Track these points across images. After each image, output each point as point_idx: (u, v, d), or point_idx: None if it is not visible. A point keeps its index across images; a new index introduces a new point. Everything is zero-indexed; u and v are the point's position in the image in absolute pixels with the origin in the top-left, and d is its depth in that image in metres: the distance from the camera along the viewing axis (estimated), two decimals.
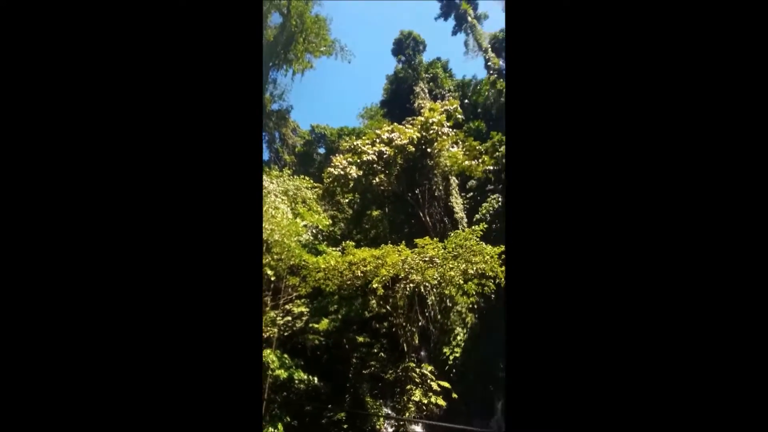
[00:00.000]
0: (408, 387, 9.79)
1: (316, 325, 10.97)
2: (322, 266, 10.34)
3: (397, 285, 10.33)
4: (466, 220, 15.59)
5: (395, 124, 15.71)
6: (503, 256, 9.72)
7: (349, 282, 10.44)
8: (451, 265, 9.91)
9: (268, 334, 9.73)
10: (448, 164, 15.71)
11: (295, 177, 14.86)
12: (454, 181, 16.53)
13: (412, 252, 10.05)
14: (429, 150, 15.19)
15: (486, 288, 10.00)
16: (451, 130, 15.25)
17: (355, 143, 15.52)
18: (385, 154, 14.69)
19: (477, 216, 15.31)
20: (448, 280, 10.07)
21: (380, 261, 9.95)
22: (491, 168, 16.03)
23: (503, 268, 9.60)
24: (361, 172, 14.85)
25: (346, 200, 18.16)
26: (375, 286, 9.71)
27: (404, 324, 10.81)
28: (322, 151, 26.99)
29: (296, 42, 19.02)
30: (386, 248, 10.25)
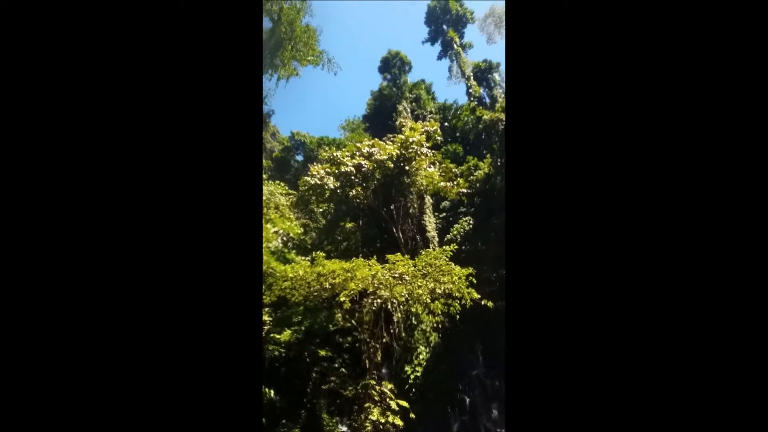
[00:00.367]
0: (366, 405, 9.62)
1: (277, 336, 10.63)
2: (290, 275, 10.12)
3: (365, 300, 10.26)
4: (437, 239, 15.82)
5: (376, 139, 15.88)
6: (471, 278, 9.89)
7: (316, 293, 10.26)
8: (419, 283, 9.97)
9: None
10: (424, 183, 15.98)
11: (270, 182, 14.62)
12: (428, 200, 16.82)
13: (382, 267, 10.04)
14: (407, 168, 15.41)
15: (452, 308, 10.10)
16: (429, 150, 15.58)
17: (334, 154, 15.52)
18: (364, 167, 14.77)
19: (448, 236, 15.58)
20: (416, 298, 10.10)
21: (350, 274, 9.86)
22: (465, 191, 16.45)
23: (470, 290, 9.76)
24: (338, 183, 14.82)
25: (321, 210, 18.00)
26: (342, 299, 9.59)
27: (368, 340, 10.70)
28: (300, 158, 26.78)
29: (284, 48, 19.01)
30: (357, 261, 10.19)
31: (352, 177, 14.81)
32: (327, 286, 10.03)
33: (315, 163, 16.94)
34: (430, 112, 23.13)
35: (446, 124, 22.71)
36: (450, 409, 11.69)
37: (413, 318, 11.29)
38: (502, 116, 15.18)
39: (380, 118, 22.34)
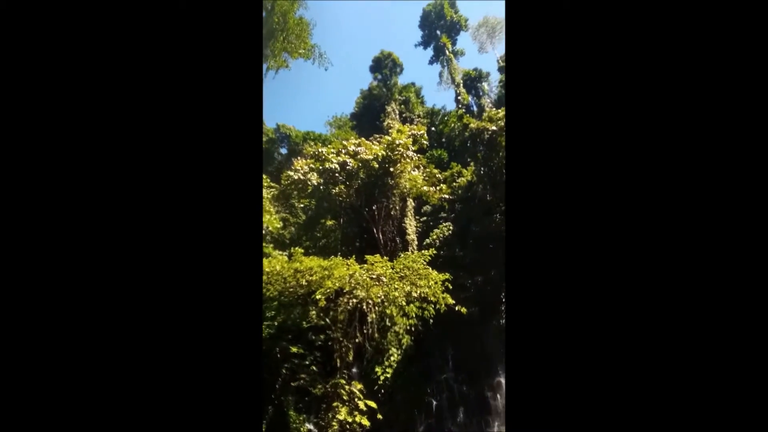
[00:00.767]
0: (335, 404, 9.59)
1: None
2: (266, 269, 9.98)
3: (341, 299, 10.22)
4: (416, 242, 15.94)
5: (362, 138, 15.85)
6: (447, 283, 10.02)
7: (291, 289, 10.15)
8: (396, 286, 10.02)
9: None
10: (407, 186, 16.07)
11: None
12: (410, 203, 16.92)
13: (360, 267, 10.03)
14: (391, 169, 15.46)
15: (426, 312, 10.19)
16: (415, 154, 15.69)
17: (320, 149, 15.39)
18: (349, 165, 14.72)
19: (427, 240, 15.72)
20: (392, 300, 10.14)
21: (327, 272, 9.81)
22: (447, 197, 16.65)
23: (445, 295, 9.88)
24: (321, 180, 14.71)
25: (302, 205, 17.82)
26: (318, 297, 9.53)
27: (341, 339, 10.66)
28: (284, 151, 26.39)
29: (275, 39, 18.68)
30: (335, 260, 10.14)
31: (336, 174, 14.74)
32: (303, 282, 9.95)
33: (299, 158, 16.75)
34: (418, 116, 23.29)
35: (433, 128, 22.90)
36: (417, 412, 11.80)
37: (387, 320, 11.33)
38: (489, 125, 15.44)
39: (368, 118, 22.31)
